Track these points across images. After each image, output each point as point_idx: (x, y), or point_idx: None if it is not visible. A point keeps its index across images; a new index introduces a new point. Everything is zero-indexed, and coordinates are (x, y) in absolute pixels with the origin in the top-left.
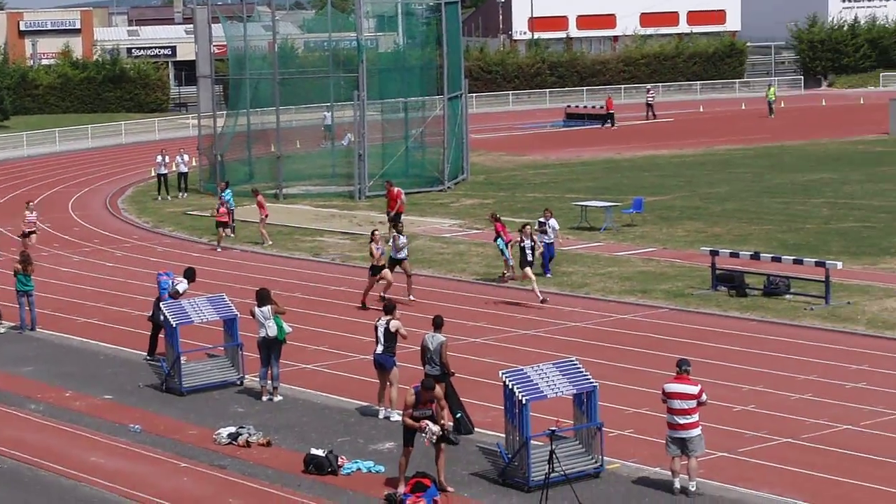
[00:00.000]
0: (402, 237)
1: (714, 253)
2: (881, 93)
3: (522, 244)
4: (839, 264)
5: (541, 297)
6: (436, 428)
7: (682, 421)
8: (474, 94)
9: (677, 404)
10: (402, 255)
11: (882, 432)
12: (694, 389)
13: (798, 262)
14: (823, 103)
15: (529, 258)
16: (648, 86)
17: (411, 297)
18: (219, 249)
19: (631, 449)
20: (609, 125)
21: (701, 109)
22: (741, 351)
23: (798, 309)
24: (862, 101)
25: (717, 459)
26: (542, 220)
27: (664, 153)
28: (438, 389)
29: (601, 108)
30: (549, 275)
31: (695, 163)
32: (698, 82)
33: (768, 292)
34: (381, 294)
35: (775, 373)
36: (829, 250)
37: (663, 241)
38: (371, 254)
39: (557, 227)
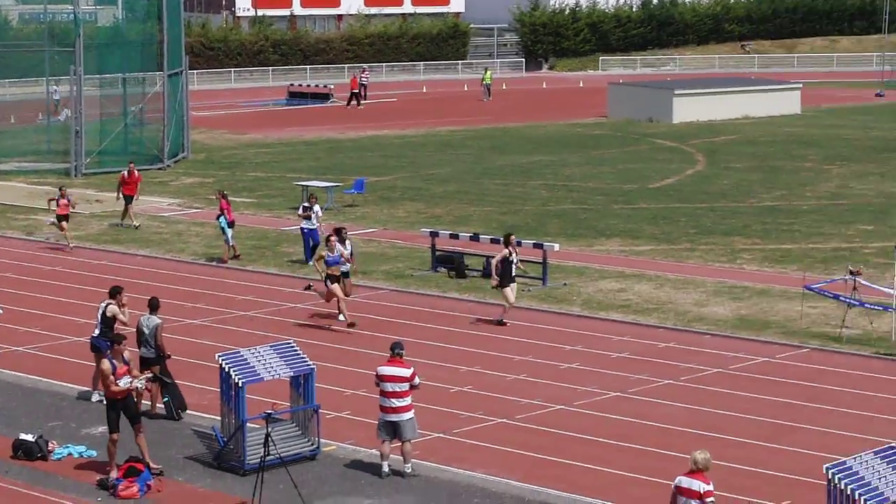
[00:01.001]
0: (345, 245)
1: (434, 234)
2: (600, 76)
3: (511, 258)
4: (556, 246)
5: (501, 319)
6: (142, 378)
7: (394, 404)
8: (196, 71)
9: (390, 387)
10: (344, 268)
11: (595, 412)
12: (406, 372)
13: (518, 243)
14: (544, 86)
15: (514, 273)
16: (364, 66)
17: (341, 318)
18: None
19: (347, 431)
20: (355, 104)
21: (424, 90)
22: (460, 332)
23: (516, 290)
24: (582, 85)
25: (433, 440)
26: (306, 205)
27: (387, 134)
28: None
29: (325, 87)
30: (311, 263)
31: (417, 144)
32: (422, 63)
33: (487, 274)
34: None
35: (492, 354)
36: (546, 232)
37: (384, 222)
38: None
39: (322, 213)
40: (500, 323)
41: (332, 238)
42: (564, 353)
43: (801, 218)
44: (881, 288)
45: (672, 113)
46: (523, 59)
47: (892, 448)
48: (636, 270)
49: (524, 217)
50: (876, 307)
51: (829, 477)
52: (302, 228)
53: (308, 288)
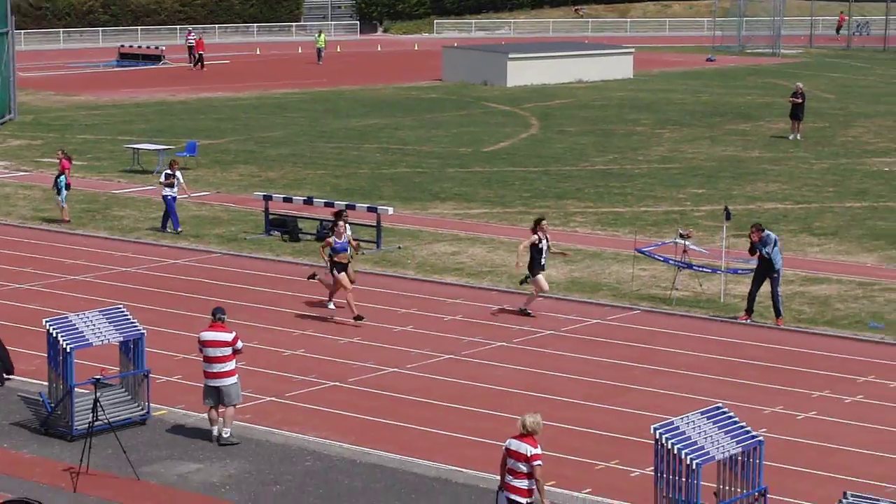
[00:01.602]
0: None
1: (268, 198)
2: (435, 39)
3: (540, 244)
4: (390, 209)
5: (525, 308)
6: None
7: (216, 369)
8: (23, 31)
9: (212, 352)
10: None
11: (428, 374)
12: (228, 337)
13: (351, 207)
14: (379, 49)
15: (544, 260)
16: (190, 28)
17: (331, 306)
18: None
19: (178, 395)
20: (200, 66)
21: (258, 52)
22: (293, 295)
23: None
24: (416, 48)
25: (265, 404)
26: (168, 171)
27: (220, 96)
28: None
29: (156, 48)
30: (179, 229)
31: (250, 106)
32: (255, 25)
33: (321, 237)
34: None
35: (326, 317)
36: (381, 195)
37: (217, 185)
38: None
39: (183, 179)
40: (525, 313)
41: (340, 223)
42: (398, 317)
43: (632, 181)
44: (702, 250)
45: (506, 77)
46: (357, 22)
47: (719, 408)
48: (470, 234)
49: (358, 180)
50: (705, 269)
51: (657, 437)
52: (164, 196)
53: (312, 277)
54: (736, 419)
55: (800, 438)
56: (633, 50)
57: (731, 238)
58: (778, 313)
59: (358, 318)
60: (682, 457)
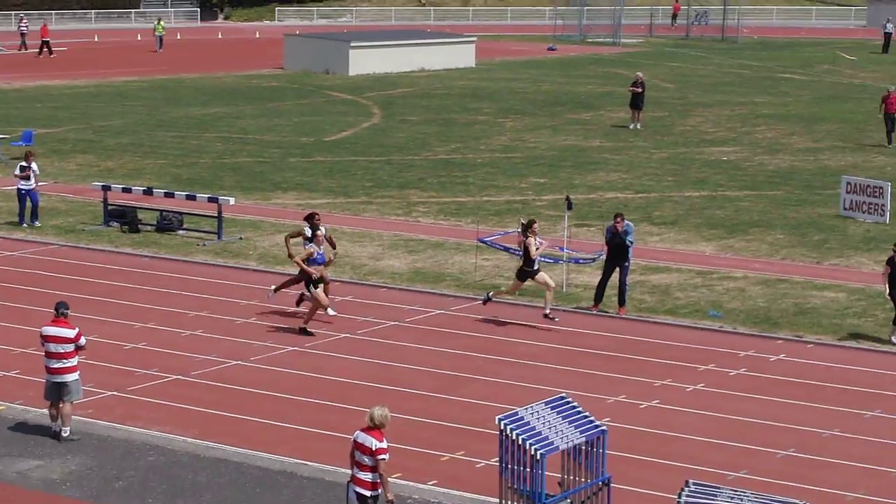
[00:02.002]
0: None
1: (106, 188)
2: (277, 27)
3: (528, 245)
4: (231, 200)
5: (548, 312)
6: None
7: (57, 365)
8: None
9: (53, 348)
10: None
11: (272, 367)
12: (71, 333)
13: (191, 197)
14: (220, 37)
15: (536, 265)
16: (22, 14)
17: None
18: None
19: (17, 391)
20: (48, 53)
21: (96, 39)
22: (134, 288)
23: (191, 245)
24: (258, 36)
25: (106, 399)
26: (23, 164)
27: (56, 84)
28: None
29: None
30: (37, 223)
31: (88, 94)
32: (93, 11)
33: (161, 228)
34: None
35: (168, 309)
36: (222, 185)
37: (55, 175)
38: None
39: (38, 171)
40: (549, 317)
41: (319, 232)
42: (241, 308)
43: (475, 171)
44: (542, 240)
45: (348, 65)
46: (198, 9)
47: (563, 398)
48: None
49: (199, 170)
50: (546, 259)
51: (501, 427)
52: (19, 189)
53: (300, 302)
54: (580, 409)
55: (643, 427)
56: (475, 39)
57: (573, 227)
58: (622, 302)
59: (305, 330)
60: (527, 447)
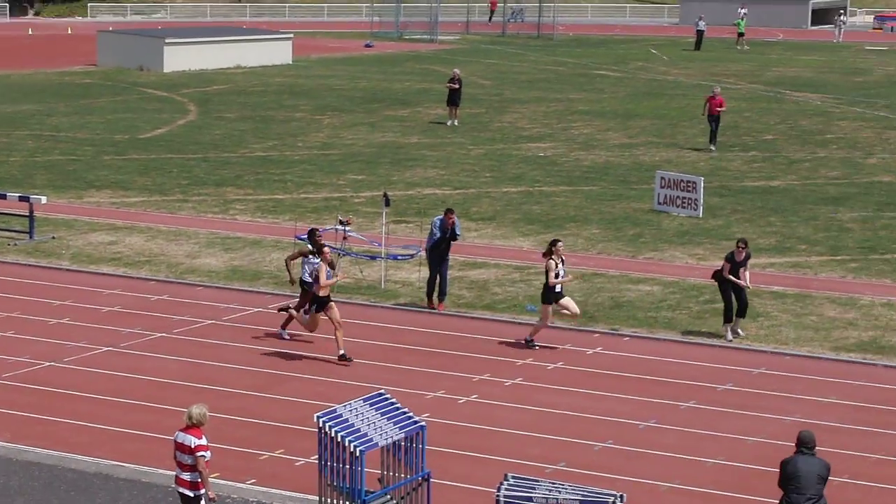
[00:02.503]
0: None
1: None
2: (90, 23)
3: (557, 269)
4: (43, 199)
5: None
6: None
7: None
8: None
9: None
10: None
11: (86, 368)
12: None
13: (1, 196)
14: (30, 32)
15: (559, 289)
16: None
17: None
18: None
19: None
20: None
21: None
22: None
23: (1, 244)
24: (70, 32)
25: None
26: None
27: None
28: None
29: None
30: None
31: None
32: None
33: None
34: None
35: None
36: (34, 184)
37: None
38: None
39: None
40: (528, 344)
41: (327, 249)
42: (53, 309)
43: (292, 168)
44: (362, 237)
45: (163, 62)
46: (7, 4)
47: (381, 394)
48: (128, 222)
49: (9, 169)
50: (365, 256)
51: (320, 425)
52: None
53: (284, 309)
54: (398, 405)
55: (462, 422)
56: (291, 35)
57: (391, 224)
58: (443, 297)
59: (344, 357)
60: (346, 444)
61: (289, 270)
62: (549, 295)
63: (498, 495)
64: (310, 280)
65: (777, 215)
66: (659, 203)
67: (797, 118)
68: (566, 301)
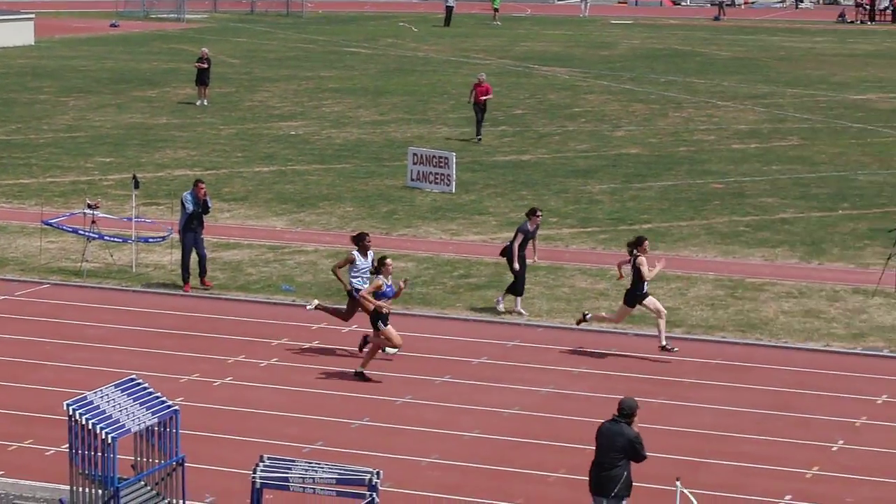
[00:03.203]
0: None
1: None
2: None
3: (639, 265)
4: None
5: (664, 343)
6: None
7: None
8: None
9: None
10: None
11: None
12: None
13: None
14: None
15: (645, 287)
16: None
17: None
18: None
19: None
20: None
21: None
22: None
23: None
24: None
25: None
26: None
27: None
28: None
29: None
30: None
31: None
32: None
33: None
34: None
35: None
36: None
37: None
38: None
39: None
40: (667, 349)
41: (388, 260)
42: None
43: (38, 152)
44: (120, 219)
45: None
46: None
47: (133, 380)
48: None
49: None
50: (115, 239)
51: (70, 413)
52: None
53: (364, 346)
54: (151, 390)
55: (217, 405)
56: (33, 15)
57: (141, 207)
58: (205, 273)
59: (361, 375)
60: (97, 431)
61: (340, 279)
62: (636, 297)
63: (254, 477)
64: (360, 288)
65: (529, 189)
66: (412, 179)
67: (546, 92)
68: (652, 301)
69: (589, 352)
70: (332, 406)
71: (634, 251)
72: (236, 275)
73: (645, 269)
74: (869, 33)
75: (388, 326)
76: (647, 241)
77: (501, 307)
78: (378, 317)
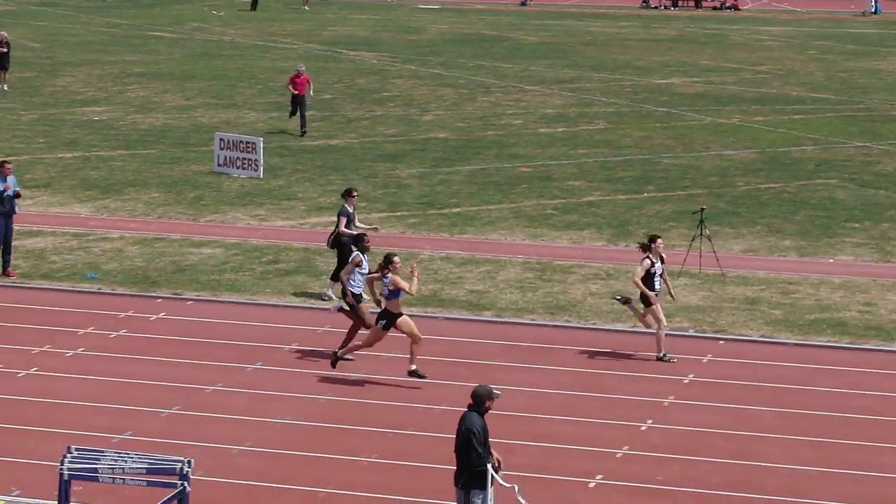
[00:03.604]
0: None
1: None
2: None
3: (653, 269)
4: None
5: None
6: None
7: None
8: None
9: None
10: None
11: None
12: None
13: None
14: None
15: (657, 286)
16: None
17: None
18: None
19: None
20: None
21: None
22: None
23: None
24: None
25: None
26: None
27: None
28: None
29: None
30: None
31: None
32: None
33: None
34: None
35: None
36: None
37: None
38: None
39: None
40: (664, 359)
41: (396, 258)
42: None
43: None
44: None
45: None
46: None
47: None
48: None
49: None
50: None
51: None
52: None
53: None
54: None
55: (22, 397)
56: None
57: None
58: (8, 264)
59: (415, 373)
60: None
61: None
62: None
63: (62, 469)
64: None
65: (337, 174)
66: (219, 165)
67: (354, 77)
68: (657, 310)
69: (401, 337)
70: (141, 395)
71: (648, 249)
72: (39, 263)
73: (640, 272)
74: (672, 18)
75: (407, 318)
76: (659, 240)
77: (331, 293)
78: (387, 315)
